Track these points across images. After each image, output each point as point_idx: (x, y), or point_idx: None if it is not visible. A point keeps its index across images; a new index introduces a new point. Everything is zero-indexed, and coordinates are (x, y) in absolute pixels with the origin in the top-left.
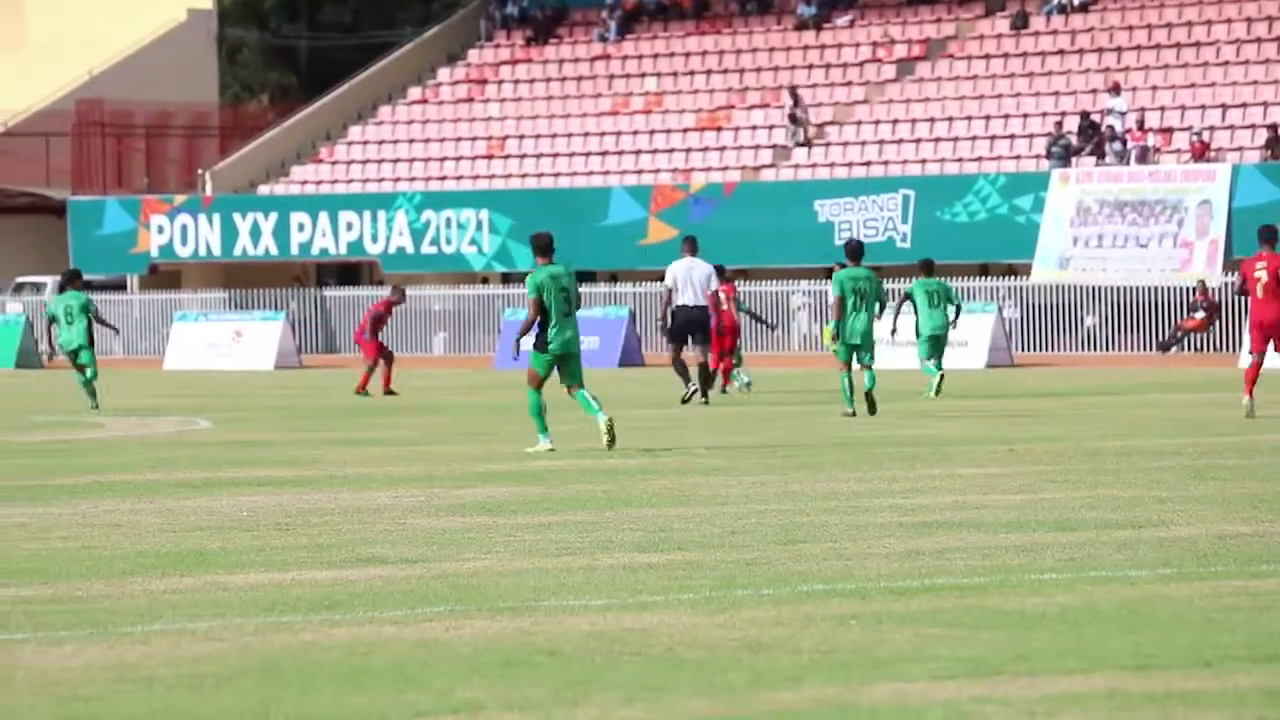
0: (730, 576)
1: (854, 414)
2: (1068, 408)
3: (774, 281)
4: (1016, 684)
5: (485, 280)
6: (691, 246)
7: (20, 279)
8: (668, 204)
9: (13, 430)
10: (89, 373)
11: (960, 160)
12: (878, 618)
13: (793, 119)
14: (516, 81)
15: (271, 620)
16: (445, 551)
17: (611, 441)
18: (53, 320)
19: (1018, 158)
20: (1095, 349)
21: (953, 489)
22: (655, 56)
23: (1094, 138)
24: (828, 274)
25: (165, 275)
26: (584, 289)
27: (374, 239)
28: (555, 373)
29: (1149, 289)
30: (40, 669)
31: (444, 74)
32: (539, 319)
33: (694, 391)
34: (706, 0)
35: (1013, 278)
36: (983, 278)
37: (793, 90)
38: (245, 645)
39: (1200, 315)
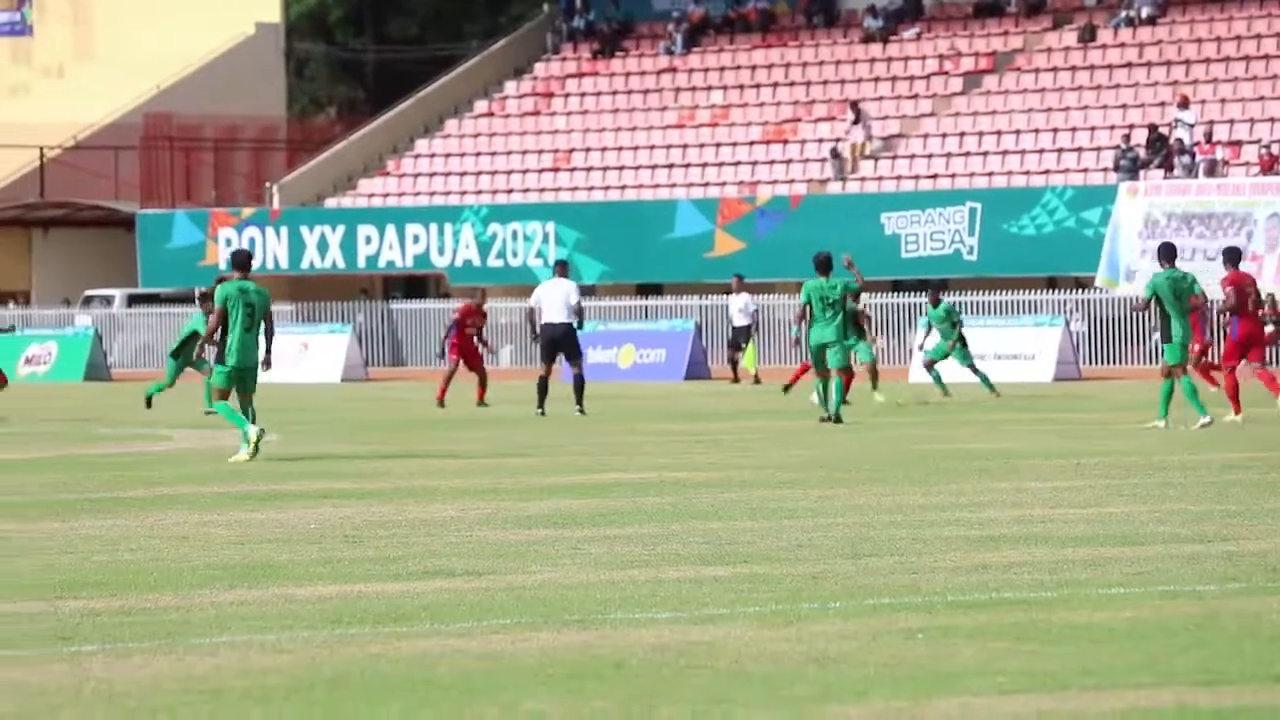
0: (797, 590)
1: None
2: (1135, 421)
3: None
4: (1084, 699)
5: None
6: (563, 269)
7: (89, 292)
8: (734, 216)
9: (81, 443)
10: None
11: (1028, 173)
12: (945, 631)
13: (834, 153)
14: (583, 94)
15: (339, 632)
16: (511, 564)
17: (255, 454)
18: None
19: (1085, 171)
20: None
21: (1020, 503)
22: (721, 69)
23: (1162, 150)
24: (894, 287)
25: None
26: (650, 301)
27: (440, 252)
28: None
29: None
30: (109, 681)
31: (510, 87)
32: (222, 332)
33: (540, 412)
34: (773, 13)
35: (1080, 291)
36: (1050, 291)
37: (854, 105)
38: (313, 657)
39: (1270, 329)
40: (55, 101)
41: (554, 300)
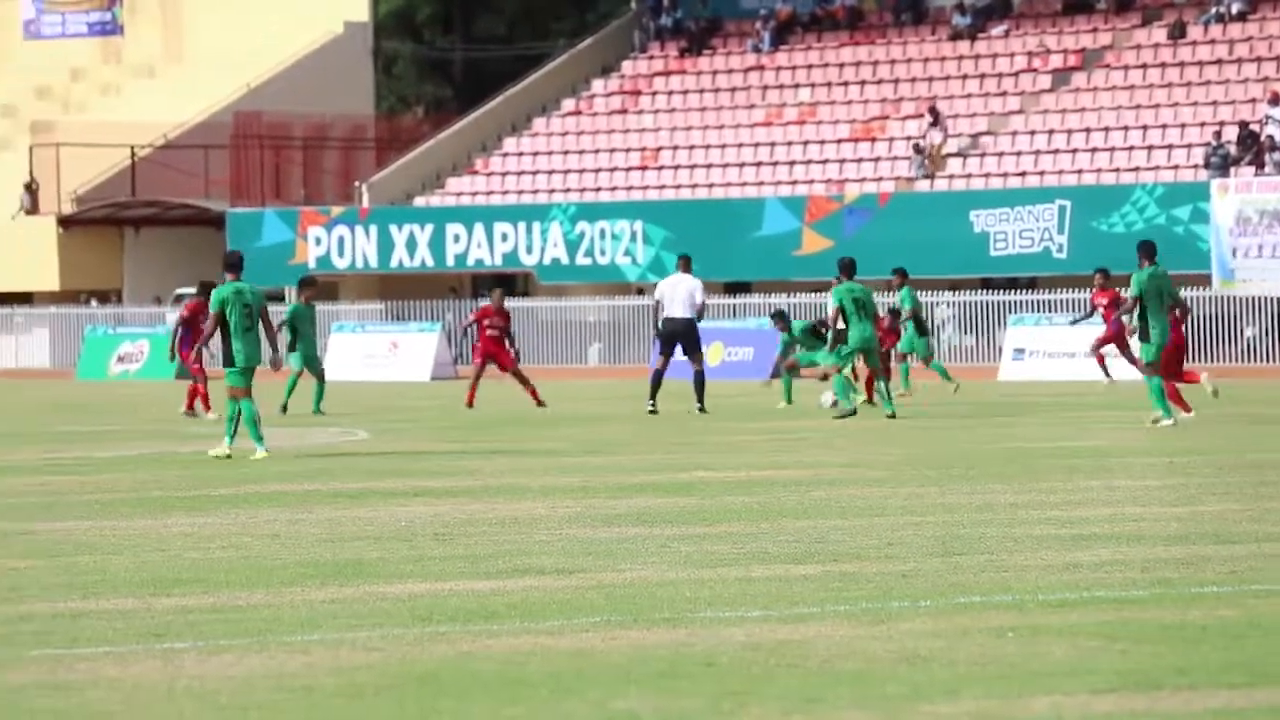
0: (887, 588)
1: (854, 411)
2: (1227, 419)
3: (922, 293)
4: (1177, 698)
5: (640, 291)
6: (686, 265)
7: (179, 290)
8: (822, 215)
9: (173, 440)
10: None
11: (1117, 170)
12: (1036, 630)
13: (916, 149)
14: (670, 93)
15: (429, 630)
16: (601, 562)
17: (225, 455)
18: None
19: (1175, 168)
20: (1255, 360)
21: (1111, 501)
22: (809, 67)
23: (1253, 147)
24: (983, 284)
25: (322, 286)
26: (737, 299)
27: (529, 250)
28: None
29: None
30: (201, 678)
31: (598, 85)
32: (224, 335)
33: (652, 409)
34: (860, 11)
35: None
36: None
37: (932, 109)
38: (403, 655)
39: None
40: (146, 101)
41: (678, 295)
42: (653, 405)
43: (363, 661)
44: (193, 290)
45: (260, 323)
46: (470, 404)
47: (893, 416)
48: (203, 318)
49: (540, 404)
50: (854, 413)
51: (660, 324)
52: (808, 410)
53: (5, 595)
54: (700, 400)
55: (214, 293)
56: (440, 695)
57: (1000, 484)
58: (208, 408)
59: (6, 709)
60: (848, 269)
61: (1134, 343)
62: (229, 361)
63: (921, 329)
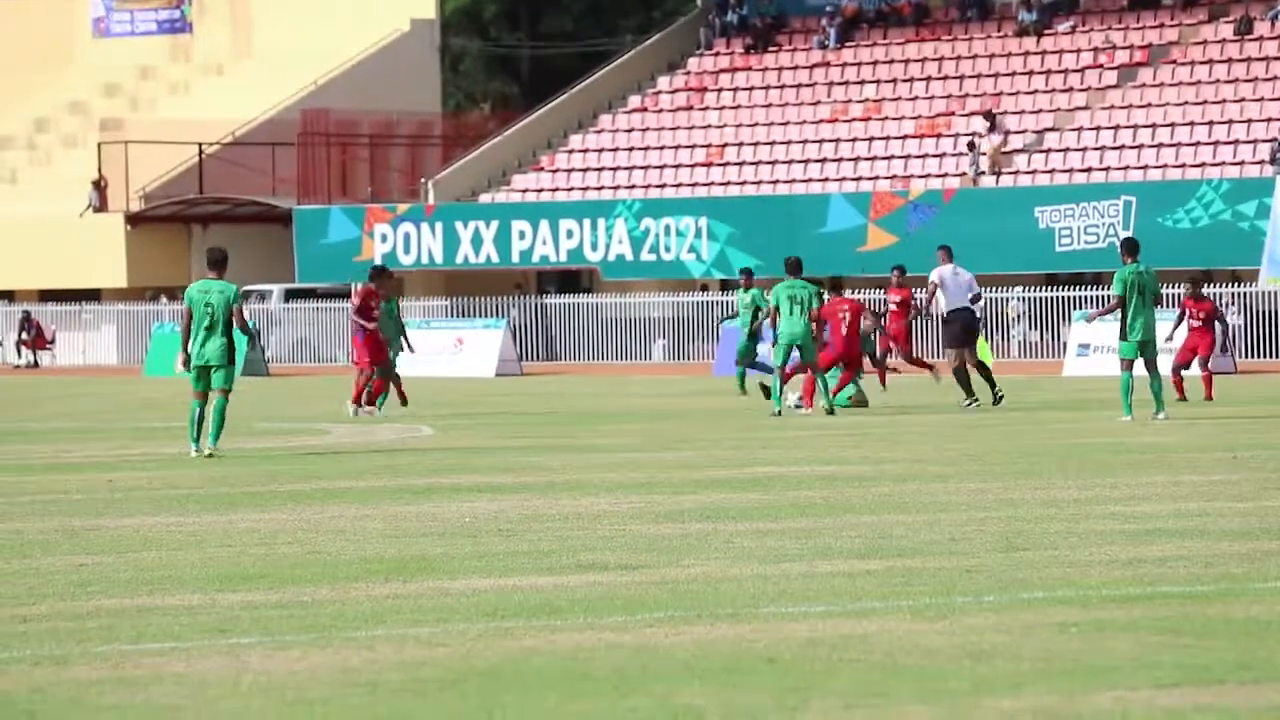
0: (950, 583)
1: (779, 413)
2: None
3: (989, 288)
4: (1241, 693)
5: (704, 288)
6: (948, 255)
7: (246, 287)
8: (886, 210)
9: (239, 437)
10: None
11: (1183, 166)
12: (1099, 625)
13: (970, 146)
14: (736, 89)
15: (493, 626)
16: (665, 558)
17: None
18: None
19: (1241, 164)
20: None
21: (1176, 496)
22: (874, 64)
23: None
24: (1048, 281)
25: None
26: None
27: (594, 247)
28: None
29: None
30: (267, 672)
31: (664, 82)
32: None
33: (973, 401)
34: (926, 7)
35: (1236, 284)
36: (1205, 284)
37: (989, 113)
38: (468, 651)
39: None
40: (214, 98)
41: (959, 286)
42: (973, 400)
43: (427, 657)
44: (267, 287)
45: (225, 324)
46: (361, 402)
47: (830, 411)
48: (373, 304)
49: (400, 401)
50: (831, 411)
51: (948, 316)
52: (871, 406)
53: (72, 591)
54: (994, 390)
55: (186, 291)
56: (504, 691)
57: (1064, 479)
58: (370, 401)
59: (72, 704)
60: (794, 268)
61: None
62: (187, 363)
63: (753, 333)
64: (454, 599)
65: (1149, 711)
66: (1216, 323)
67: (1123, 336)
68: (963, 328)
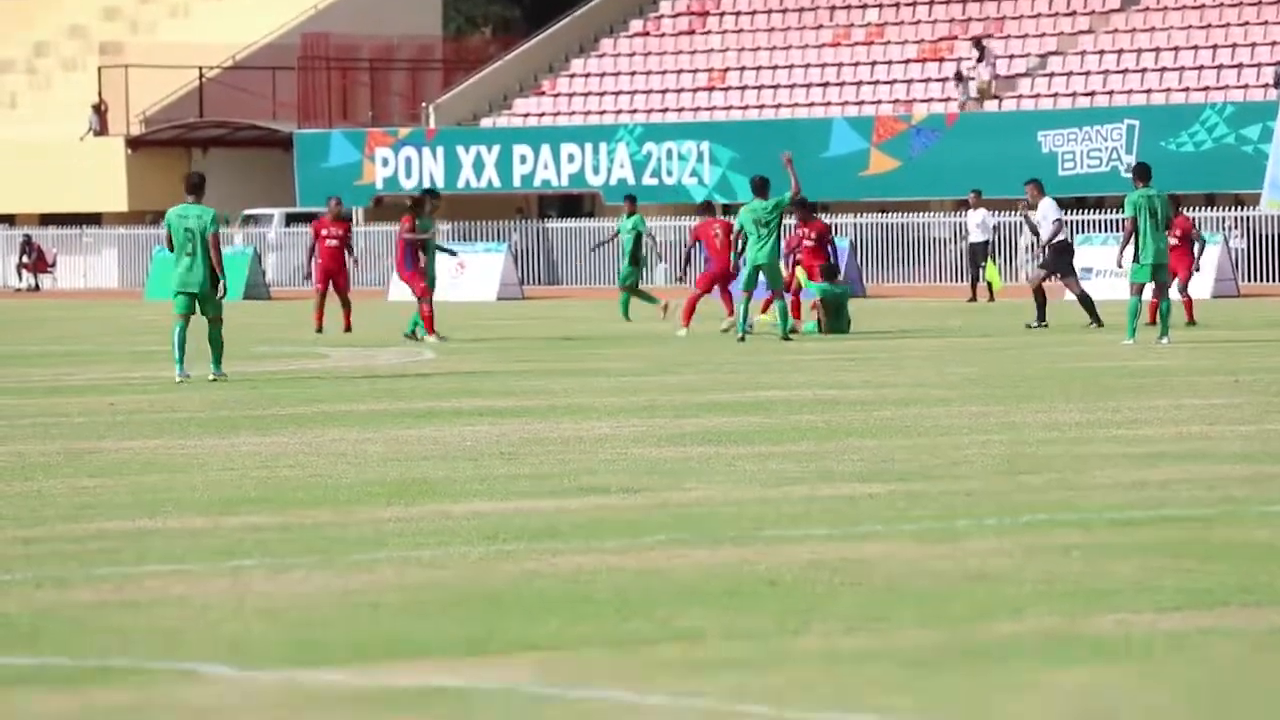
0: (952, 507)
1: (743, 339)
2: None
3: (995, 213)
4: (1244, 616)
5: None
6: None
7: (247, 211)
8: (889, 135)
9: (239, 361)
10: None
11: (1186, 90)
12: (1101, 549)
13: (959, 77)
14: (738, 13)
15: (495, 549)
16: (667, 481)
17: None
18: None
19: (1245, 87)
20: None
21: (1178, 420)
22: None
23: None
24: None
25: (390, 207)
26: None
27: (595, 171)
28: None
29: None
30: (269, 595)
31: (665, 6)
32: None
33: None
34: None
35: (1240, 208)
36: (1209, 208)
37: (978, 41)
38: (469, 573)
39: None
40: (214, 22)
41: (1049, 217)
42: (1041, 322)
43: (429, 579)
44: (268, 211)
45: (205, 250)
46: (320, 328)
47: (785, 338)
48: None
49: (349, 329)
50: (787, 337)
51: (1063, 245)
52: (861, 331)
53: (74, 513)
54: (1094, 314)
55: (166, 216)
56: (506, 613)
57: (1066, 403)
58: (430, 330)
59: (76, 626)
60: (759, 188)
61: (1126, 262)
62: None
63: (635, 258)
64: (455, 522)
65: (1151, 634)
66: (1195, 243)
67: (1135, 260)
68: (1062, 254)
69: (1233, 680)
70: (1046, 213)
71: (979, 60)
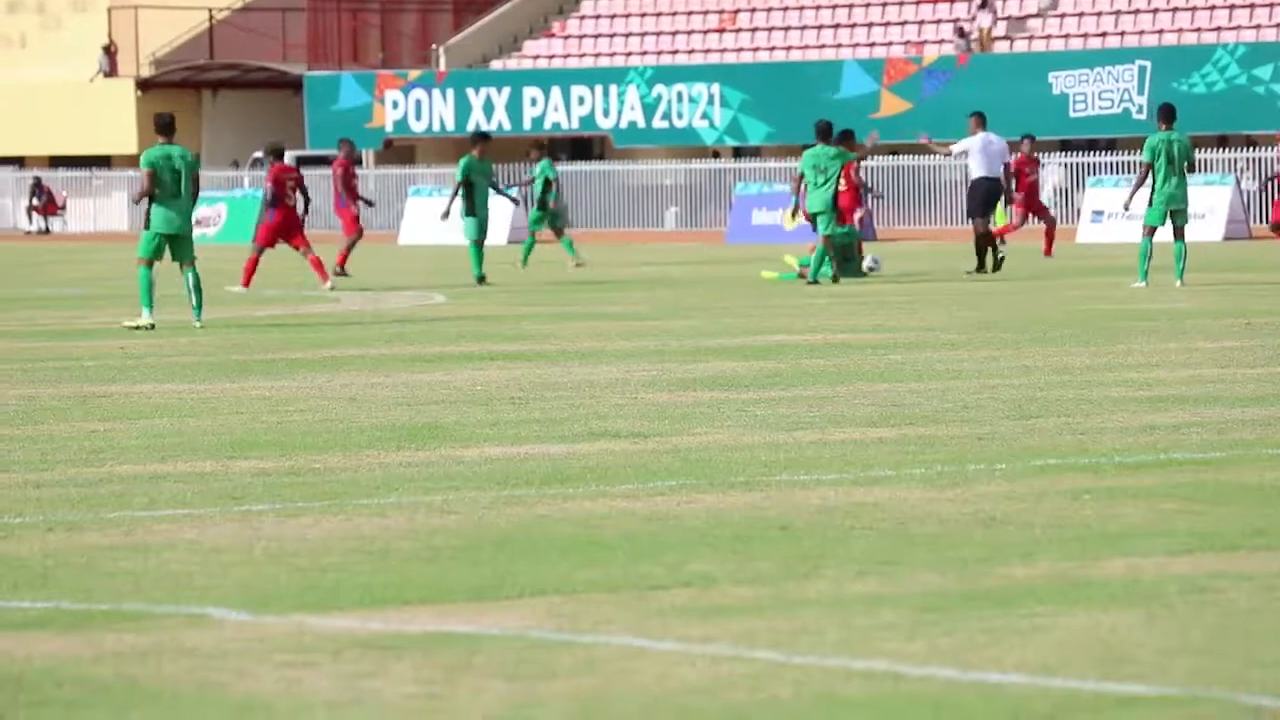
0: (962, 451)
1: (816, 281)
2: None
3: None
4: (1254, 559)
5: (717, 154)
6: (981, 121)
7: (258, 154)
8: (900, 77)
9: (249, 304)
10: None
11: (1198, 30)
12: (1112, 493)
13: (960, 33)
14: None
15: (505, 494)
16: (677, 426)
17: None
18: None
19: (1258, 27)
20: None
21: (1189, 363)
22: None
23: None
24: (1062, 146)
25: (400, 150)
26: None
27: (605, 114)
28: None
29: None
30: (279, 539)
31: None
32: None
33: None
34: None
35: (1252, 149)
36: (1221, 149)
37: None
38: (479, 518)
39: None
40: None
41: (991, 155)
42: (981, 269)
43: (439, 524)
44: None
45: (189, 190)
46: (343, 269)
47: (814, 282)
48: (279, 183)
49: (341, 271)
50: (813, 282)
51: (971, 182)
52: (885, 276)
53: (85, 457)
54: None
55: (144, 155)
56: (516, 558)
57: (1077, 346)
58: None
59: (86, 570)
60: (823, 133)
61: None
62: (146, 225)
63: (543, 203)
64: (466, 466)
65: (1161, 578)
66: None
67: (1150, 203)
68: (984, 196)
69: (1243, 623)
70: (972, 148)
71: (982, 6)
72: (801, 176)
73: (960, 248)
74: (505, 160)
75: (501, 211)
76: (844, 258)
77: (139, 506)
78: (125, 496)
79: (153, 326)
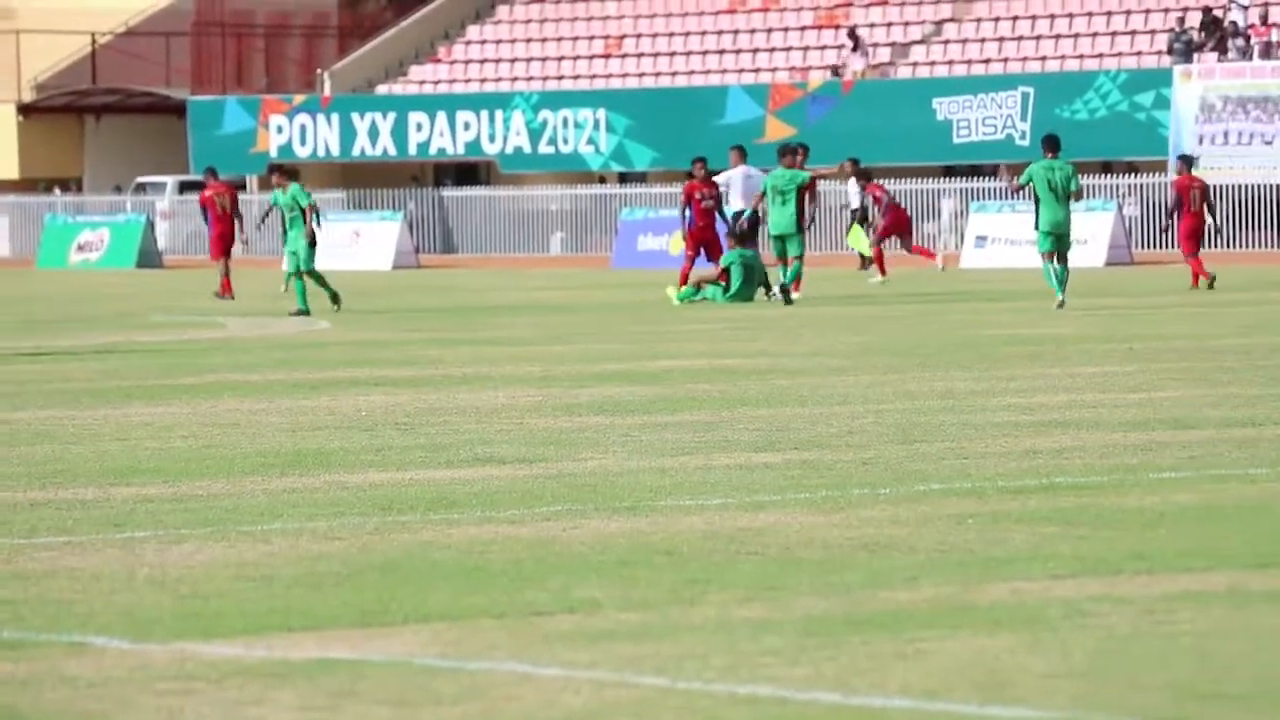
0: (847, 476)
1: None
2: (1188, 305)
3: (888, 181)
4: (1135, 583)
5: (602, 180)
6: (742, 155)
7: (140, 179)
8: (785, 102)
9: (133, 329)
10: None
11: (1080, 57)
12: (995, 517)
13: (835, 73)
14: None
15: (390, 519)
16: (562, 451)
17: None
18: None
19: (1139, 54)
20: (1219, 247)
21: (1071, 388)
22: None
23: (1216, 33)
24: (946, 172)
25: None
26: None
27: (491, 139)
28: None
29: (1276, 187)
30: (162, 567)
31: None
32: None
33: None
34: None
35: (1132, 175)
36: (1103, 175)
37: (852, 31)
38: (364, 544)
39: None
40: None
41: (750, 188)
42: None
43: (323, 550)
44: (162, 179)
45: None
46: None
47: (788, 302)
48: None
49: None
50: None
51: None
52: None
53: None
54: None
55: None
56: (400, 584)
57: (960, 371)
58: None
59: None
60: (783, 153)
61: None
62: None
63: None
64: (350, 493)
65: (1045, 602)
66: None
67: (1036, 228)
68: (749, 227)
69: (1125, 646)
70: (734, 180)
71: (853, 49)
72: (763, 194)
73: (841, 273)
74: (389, 186)
75: (386, 236)
76: (745, 280)
77: (19, 534)
78: (6, 524)
79: None
